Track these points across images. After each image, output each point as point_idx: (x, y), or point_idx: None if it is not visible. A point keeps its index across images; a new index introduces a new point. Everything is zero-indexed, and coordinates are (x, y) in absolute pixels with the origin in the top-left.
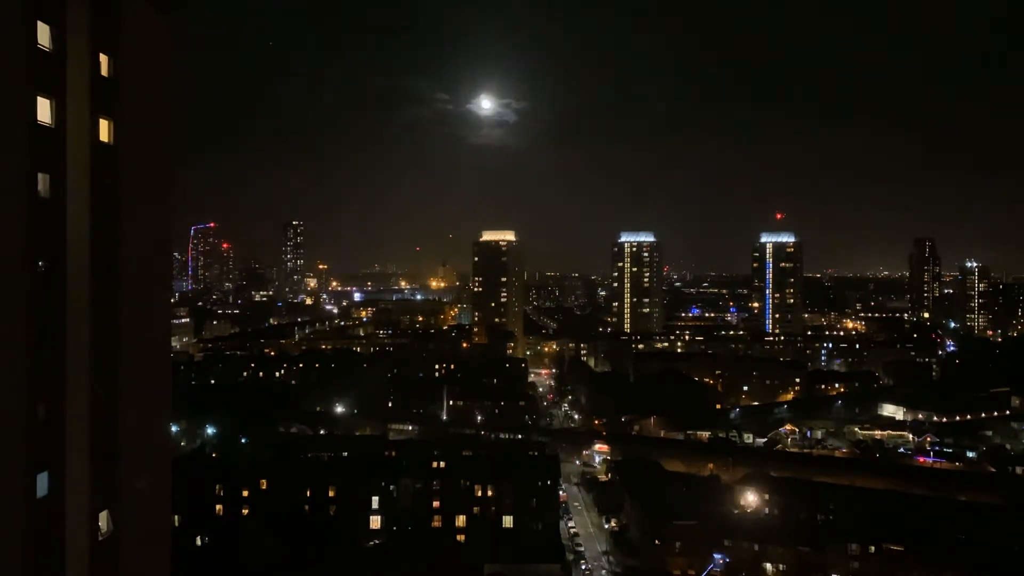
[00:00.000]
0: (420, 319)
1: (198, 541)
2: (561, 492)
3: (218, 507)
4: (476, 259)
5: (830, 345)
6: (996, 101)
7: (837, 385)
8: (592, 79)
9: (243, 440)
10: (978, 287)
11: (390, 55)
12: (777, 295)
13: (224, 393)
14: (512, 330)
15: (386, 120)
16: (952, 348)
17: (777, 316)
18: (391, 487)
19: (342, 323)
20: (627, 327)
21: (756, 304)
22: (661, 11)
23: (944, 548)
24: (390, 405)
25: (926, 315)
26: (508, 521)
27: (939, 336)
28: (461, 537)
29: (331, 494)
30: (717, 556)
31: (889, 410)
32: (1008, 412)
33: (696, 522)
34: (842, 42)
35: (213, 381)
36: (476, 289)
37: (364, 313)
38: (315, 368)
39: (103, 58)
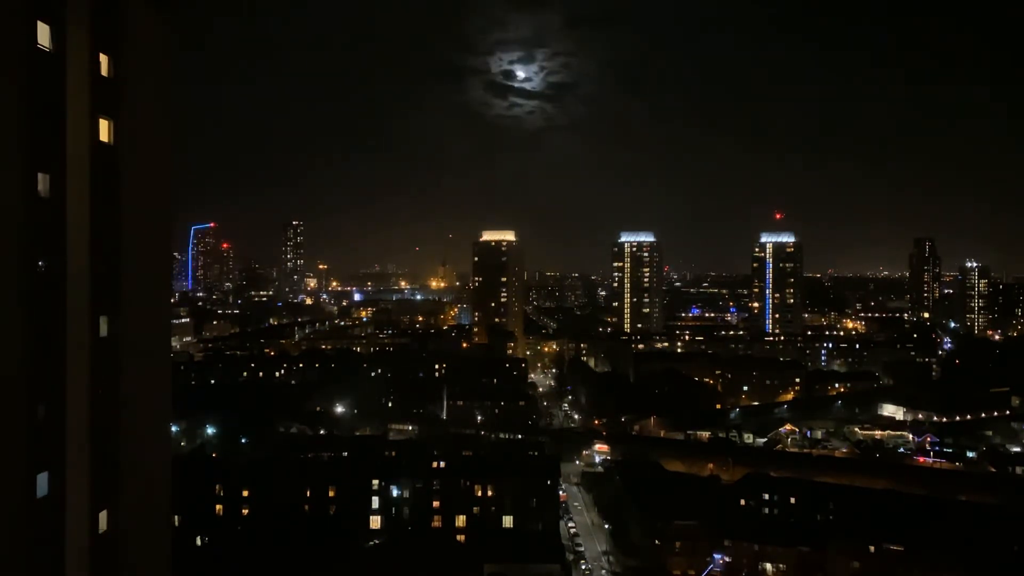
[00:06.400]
0: (420, 319)
1: (198, 541)
2: (561, 492)
3: (218, 507)
4: (476, 259)
5: (830, 345)
6: (995, 101)
7: (837, 385)
8: (593, 80)
9: (243, 440)
10: (978, 287)
11: (391, 55)
12: (777, 295)
13: (224, 393)
14: (512, 330)
15: (386, 119)
16: (952, 347)
17: (777, 316)
18: (391, 487)
19: (342, 323)
20: (627, 327)
21: (756, 304)
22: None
23: (944, 548)
24: (390, 405)
25: (926, 315)
26: (508, 521)
27: (939, 336)
28: (461, 537)
29: (331, 494)
30: (717, 556)
31: (889, 410)
32: (1008, 412)
33: (696, 522)
34: (844, 52)
35: (213, 381)
36: (476, 289)
37: (364, 313)
38: (315, 368)
39: (103, 58)
